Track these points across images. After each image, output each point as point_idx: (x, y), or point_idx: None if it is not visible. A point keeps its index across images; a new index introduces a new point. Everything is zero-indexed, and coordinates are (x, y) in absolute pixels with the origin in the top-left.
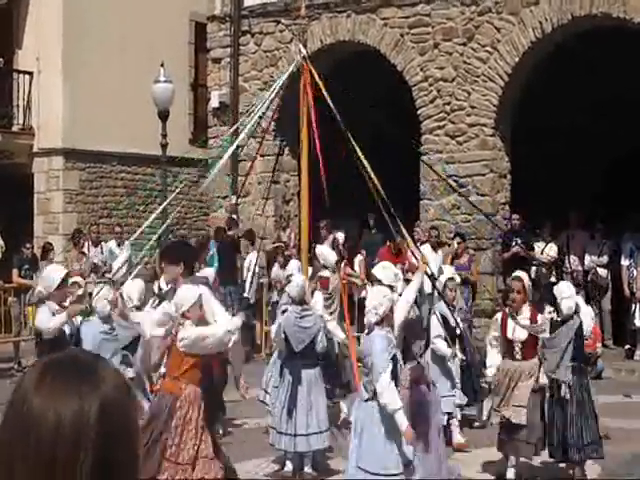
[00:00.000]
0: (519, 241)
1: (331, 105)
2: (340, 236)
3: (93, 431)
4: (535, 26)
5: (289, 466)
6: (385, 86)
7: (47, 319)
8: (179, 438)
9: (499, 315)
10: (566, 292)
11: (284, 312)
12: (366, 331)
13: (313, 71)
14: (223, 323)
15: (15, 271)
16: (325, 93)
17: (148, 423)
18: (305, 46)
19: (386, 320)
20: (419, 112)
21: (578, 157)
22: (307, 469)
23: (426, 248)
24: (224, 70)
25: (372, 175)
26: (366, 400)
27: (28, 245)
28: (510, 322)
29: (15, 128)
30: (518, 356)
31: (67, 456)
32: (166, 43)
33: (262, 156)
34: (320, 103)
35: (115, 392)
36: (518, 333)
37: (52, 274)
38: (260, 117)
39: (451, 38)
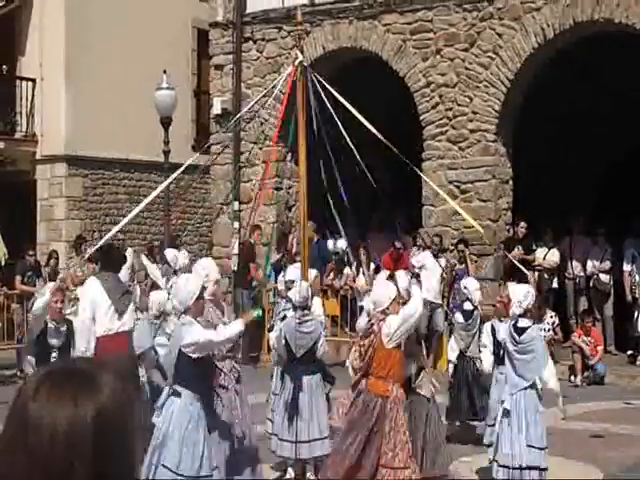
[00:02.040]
0: (520, 247)
1: (314, 112)
2: (342, 244)
3: (89, 437)
4: (537, 32)
5: (291, 473)
6: (387, 92)
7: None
8: (393, 443)
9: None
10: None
11: (284, 318)
12: (512, 321)
13: (315, 77)
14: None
15: (18, 278)
16: (312, 101)
17: (351, 425)
18: (302, 52)
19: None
20: (421, 118)
21: (580, 162)
22: (309, 475)
23: (427, 254)
24: (226, 77)
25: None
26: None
27: (31, 252)
28: None
29: (18, 135)
30: None
31: (62, 461)
32: (169, 50)
33: (264, 162)
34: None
35: (112, 400)
36: None
37: (188, 287)
38: (262, 123)
39: (453, 44)
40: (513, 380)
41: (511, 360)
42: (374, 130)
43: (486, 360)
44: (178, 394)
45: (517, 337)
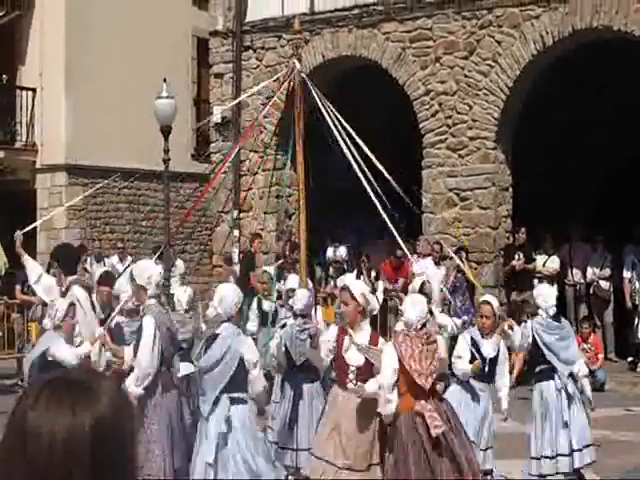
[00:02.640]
0: (521, 255)
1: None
2: (342, 251)
3: (87, 446)
4: (536, 39)
5: None
6: (387, 100)
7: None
8: None
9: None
10: None
11: (284, 326)
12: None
13: (311, 86)
14: None
15: (18, 287)
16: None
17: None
18: (300, 61)
19: None
20: (421, 126)
21: (580, 169)
22: None
23: (428, 262)
24: (226, 85)
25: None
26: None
27: None
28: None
29: (18, 145)
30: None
31: (61, 470)
32: (169, 59)
33: (264, 170)
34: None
35: (111, 410)
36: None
37: (234, 295)
38: (261, 132)
39: (452, 52)
40: (561, 368)
41: (552, 351)
42: (370, 154)
43: (463, 368)
44: (244, 401)
45: (558, 324)
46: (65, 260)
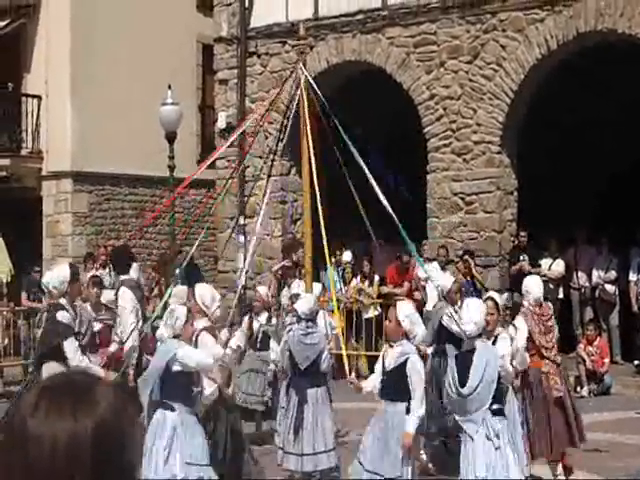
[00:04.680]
0: (526, 257)
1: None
2: (347, 256)
3: (88, 451)
4: (540, 43)
5: None
6: (391, 105)
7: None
8: None
9: None
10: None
11: (289, 332)
12: None
13: (317, 91)
14: None
15: (24, 294)
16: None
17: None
18: (305, 67)
19: None
20: (425, 130)
21: (584, 173)
22: None
23: (434, 266)
24: (231, 91)
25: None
26: None
27: (37, 268)
28: None
29: (24, 152)
30: None
31: (63, 475)
32: (173, 65)
33: (269, 176)
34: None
35: (111, 414)
36: None
37: (479, 309)
38: (266, 137)
39: (457, 56)
40: None
41: None
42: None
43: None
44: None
45: None
46: None
